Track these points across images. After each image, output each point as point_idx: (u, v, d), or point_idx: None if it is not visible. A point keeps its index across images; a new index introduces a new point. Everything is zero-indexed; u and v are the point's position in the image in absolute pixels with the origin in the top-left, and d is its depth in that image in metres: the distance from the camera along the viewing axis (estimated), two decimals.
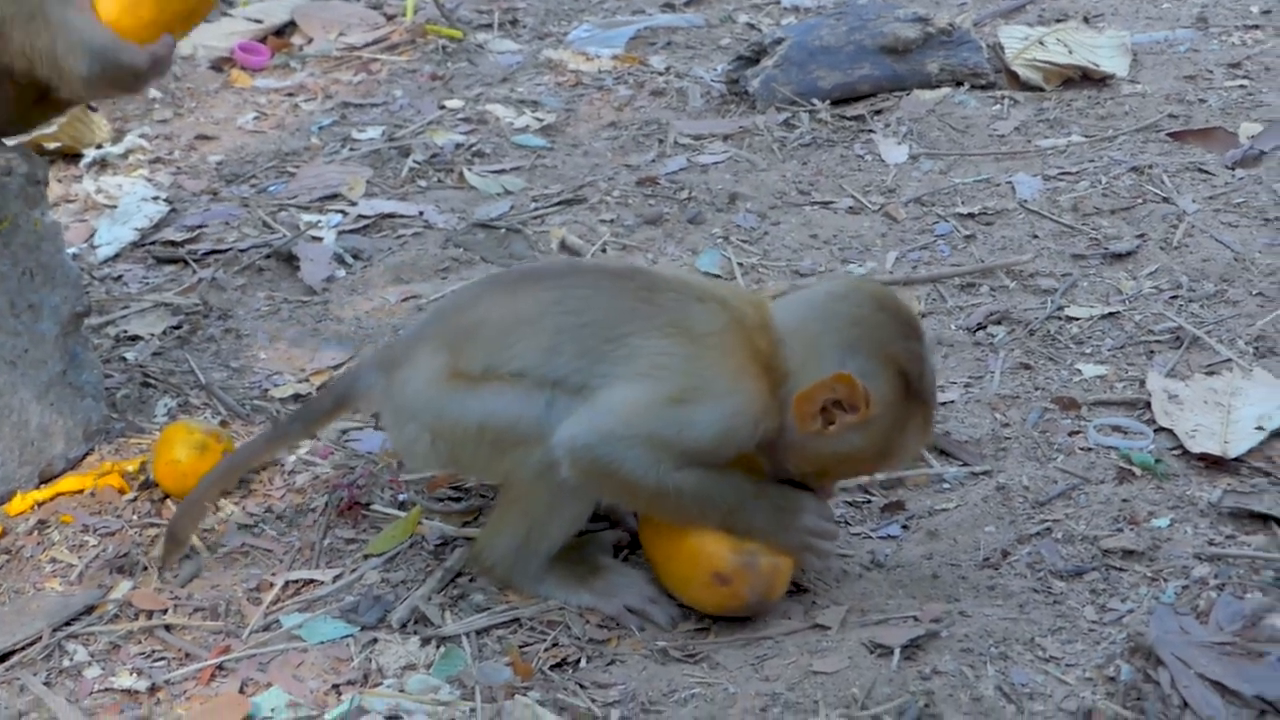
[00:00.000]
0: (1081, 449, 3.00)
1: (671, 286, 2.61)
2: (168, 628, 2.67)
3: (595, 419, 2.49)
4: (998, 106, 4.77)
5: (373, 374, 2.71)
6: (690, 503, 2.51)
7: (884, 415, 2.50)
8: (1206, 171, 4.18)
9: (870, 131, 4.65)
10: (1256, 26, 5.30)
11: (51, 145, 4.58)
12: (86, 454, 3.12)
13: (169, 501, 2.96)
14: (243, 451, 2.85)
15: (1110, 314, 3.48)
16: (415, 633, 2.59)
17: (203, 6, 2.94)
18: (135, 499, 3.00)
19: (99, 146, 4.71)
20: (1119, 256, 3.74)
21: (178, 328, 3.66)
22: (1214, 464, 2.90)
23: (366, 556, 2.81)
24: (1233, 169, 4.17)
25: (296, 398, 3.35)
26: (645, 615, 2.60)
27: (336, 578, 2.76)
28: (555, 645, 2.56)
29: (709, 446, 2.51)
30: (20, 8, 2.74)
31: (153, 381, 3.41)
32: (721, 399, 2.49)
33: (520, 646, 2.55)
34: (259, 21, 5.77)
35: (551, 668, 2.51)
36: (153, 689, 2.52)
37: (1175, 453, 2.96)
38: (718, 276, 3.79)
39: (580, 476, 2.50)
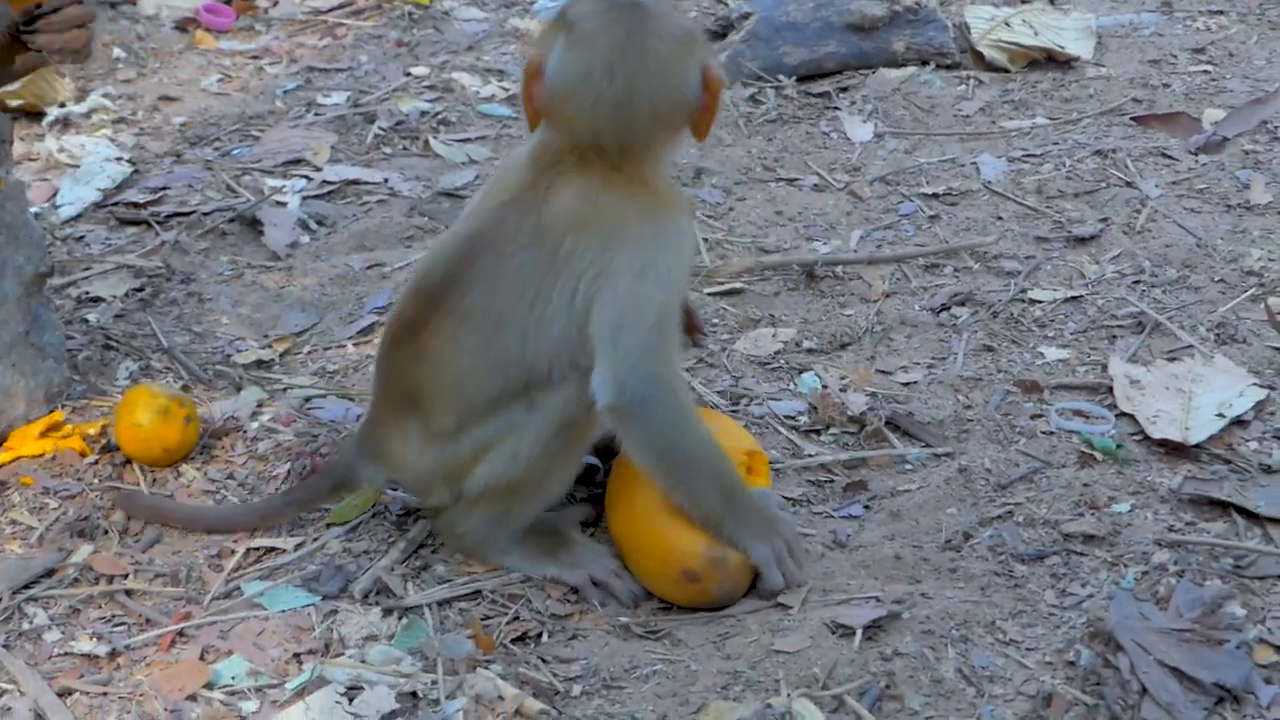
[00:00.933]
0: (1043, 432, 3.02)
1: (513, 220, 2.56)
2: (128, 593, 2.66)
3: (615, 363, 2.47)
4: (963, 87, 4.78)
5: (366, 467, 2.73)
6: (704, 464, 2.52)
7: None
8: (1170, 156, 4.20)
9: (836, 109, 4.65)
10: (1220, 12, 5.32)
11: (14, 103, 4.53)
12: (46, 415, 3.10)
13: (131, 466, 2.95)
14: (232, 523, 2.81)
15: (1073, 298, 3.50)
16: (377, 603, 2.59)
17: None
18: (96, 462, 2.98)
19: (62, 105, 4.66)
20: (1082, 240, 3.76)
21: (140, 290, 3.64)
22: (1175, 450, 2.92)
23: (329, 525, 2.81)
24: (1196, 154, 4.19)
25: (259, 364, 3.34)
26: (609, 588, 2.61)
27: (298, 546, 2.76)
28: (517, 619, 2.57)
29: (684, 280, 2.58)
30: None
31: (114, 344, 3.39)
32: (670, 245, 2.52)
33: (482, 619, 2.55)
34: None
35: (513, 641, 2.52)
36: (113, 654, 2.51)
37: (1136, 438, 2.98)
38: None
39: (622, 421, 2.49)
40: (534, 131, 2.57)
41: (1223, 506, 2.74)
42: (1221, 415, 2.99)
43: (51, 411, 3.10)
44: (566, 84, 2.48)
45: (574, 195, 2.49)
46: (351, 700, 2.36)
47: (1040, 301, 3.50)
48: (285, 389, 3.22)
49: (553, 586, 2.63)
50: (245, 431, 3.06)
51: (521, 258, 2.51)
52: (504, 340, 2.52)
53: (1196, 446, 2.92)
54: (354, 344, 3.43)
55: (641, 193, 2.50)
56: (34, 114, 4.60)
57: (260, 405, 3.14)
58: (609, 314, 2.47)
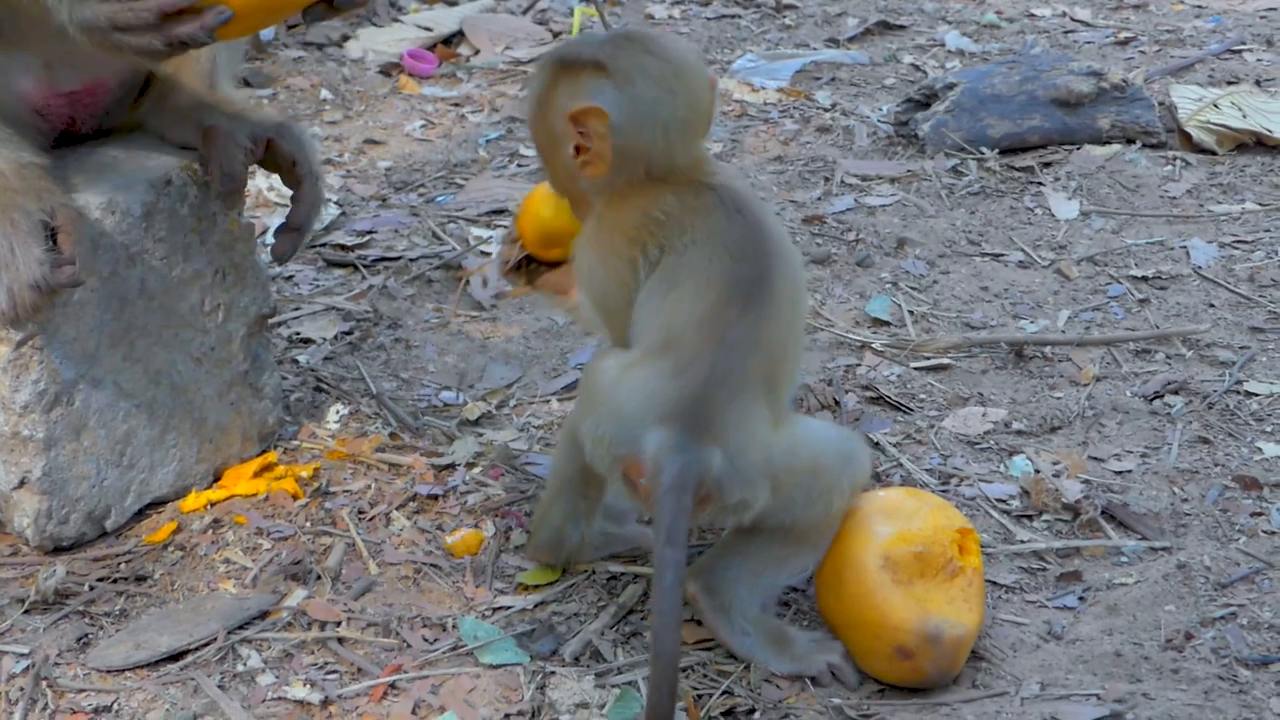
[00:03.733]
0: (1265, 531, 2.95)
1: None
2: (340, 640, 2.68)
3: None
4: (1169, 167, 4.71)
5: (704, 452, 2.44)
6: None
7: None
8: None
9: (1039, 184, 4.60)
10: None
11: None
12: (260, 455, 3.14)
13: (343, 510, 2.97)
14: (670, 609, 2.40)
15: None
16: (588, 667, 2.58)
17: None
18: (307, 505, 3.01)
19: None
20: None
21: (349, 333, 3.68)
22: None
23: (501, 592, 2.80)
24: None
25: (482, 419, 3.35)
26: (840, 673, 2.57)
27: (500, 608, 2.75)
28: (729, 693, 2.54)
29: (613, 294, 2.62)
30: None
31: (325, 387, 3.43)
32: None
33: (694, 692, 2.53)
34: (429, 30, 5.81)
35: (723, 714, 2.50)
36: (325, 702, 2.53)
37: None
38: (886, 324, 3.76)
39: None
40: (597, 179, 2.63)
41: None
42: None
43: (265, 451, 3.14)
44: (640, 117, 2.57)
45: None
46: None
47: (1257, 394, 3.42)
48: (491, 442, 3.23)
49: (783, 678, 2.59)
50: (456, 486, 3.07)
51: None
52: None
53: None
54: (558, 399, 3.44)
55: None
56: None
57: (476, 456, 3.15)
58: None
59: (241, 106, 3.06)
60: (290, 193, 3.10)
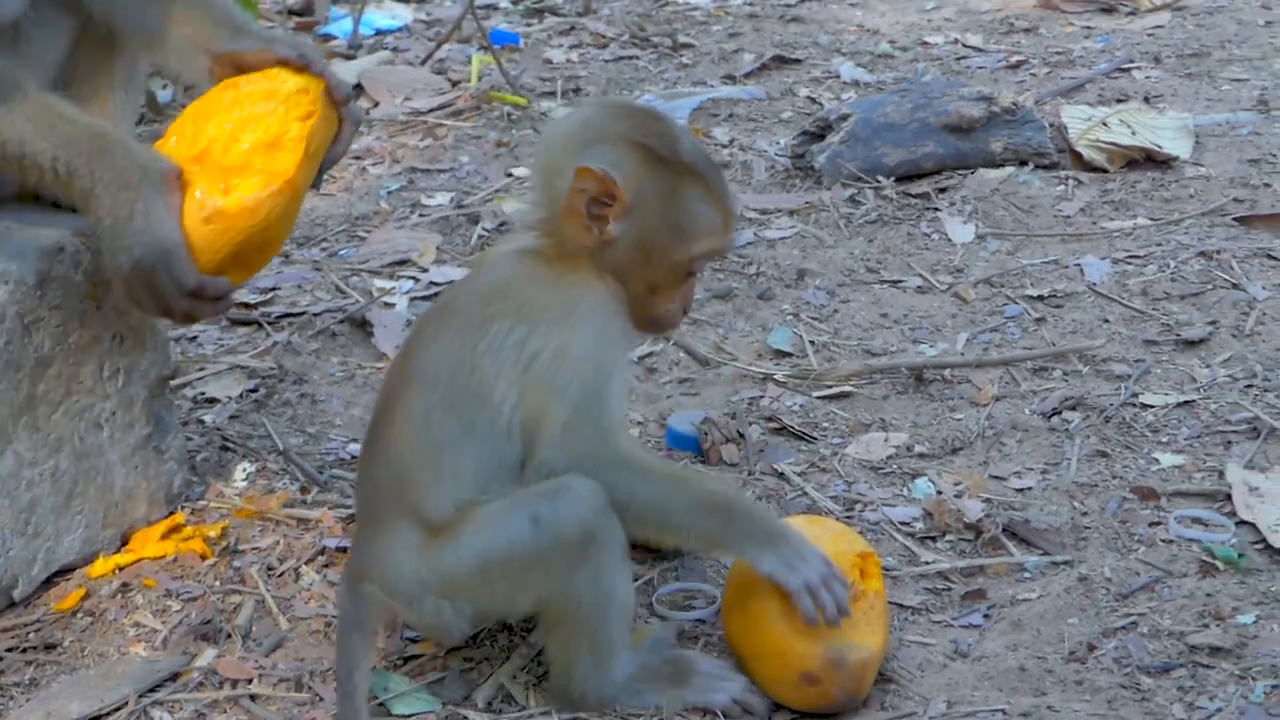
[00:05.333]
0: (1163, 540, 3.00)
1: (461, 290, 2.69)
2: (253, 697, 2.68)
3: (547, 451, 2.52)
4: (1062, 187, 4.79)
5: (361, 590, 2.57)
6: (674, 499, 2.54)
7: (645, 190, 2.56)
8: (1275, 258, 4.18)
9: (935, 210, 4.66)
10: None
11: None
12: (167, 517, 3.14)
13: (252, 569, 2.97)
14: None
15: (1185, 402, 3.48)
16: (500, 712, 2.59)
17: (269, 249, 2.88)
18: (216, 564, 3.01)
19: None
20: (1191, 343, 3.74)
21: (254, 391, 3.69)
22: None
23: (412, 640, 2.80)
24: None
25: None
26: (747, 706, 2.58)
27: (411, 656, 2.76)
28: None
29: (610, 363, 2.57)
30: (118, 176, 2.75)
31: (231, 445, 3.43)
32: (577, 327, 2.55)
33: None
34: None
35: None
36: None
37: (1258, 547, 2.95)
38: (789, 355, 3.80)
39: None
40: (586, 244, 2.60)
41: None
42: None
43: (172, 513, 3.14)
44: (666, 192, 2.58)
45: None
46: None
47: (1152, 406, 3.48)
48: None
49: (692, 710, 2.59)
50: None
51: (449, 335, 2.61)
52: (449, 405, 2.55)
53: None
54: None
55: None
56: None
57: None
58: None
59: None
60: None
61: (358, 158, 5.26)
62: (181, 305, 2.78)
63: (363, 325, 4.01)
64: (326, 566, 3.00)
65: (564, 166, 2.56)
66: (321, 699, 2.65)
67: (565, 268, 2.59)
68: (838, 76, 6.09)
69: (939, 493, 3.19)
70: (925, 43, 6.56)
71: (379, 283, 4.25)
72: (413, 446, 2.56)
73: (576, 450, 2.51)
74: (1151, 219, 4.52)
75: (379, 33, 6.70)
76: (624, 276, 2.61)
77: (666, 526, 2.57)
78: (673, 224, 2.59)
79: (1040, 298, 4.06)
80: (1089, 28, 6.67)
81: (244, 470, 3.33)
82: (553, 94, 5.93)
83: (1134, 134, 5.02)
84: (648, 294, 2.64)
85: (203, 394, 3.68)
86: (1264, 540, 2.96)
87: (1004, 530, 3.06)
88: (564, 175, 2.56)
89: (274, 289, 4.22)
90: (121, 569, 3.01)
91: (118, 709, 2.65)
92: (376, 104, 5.77)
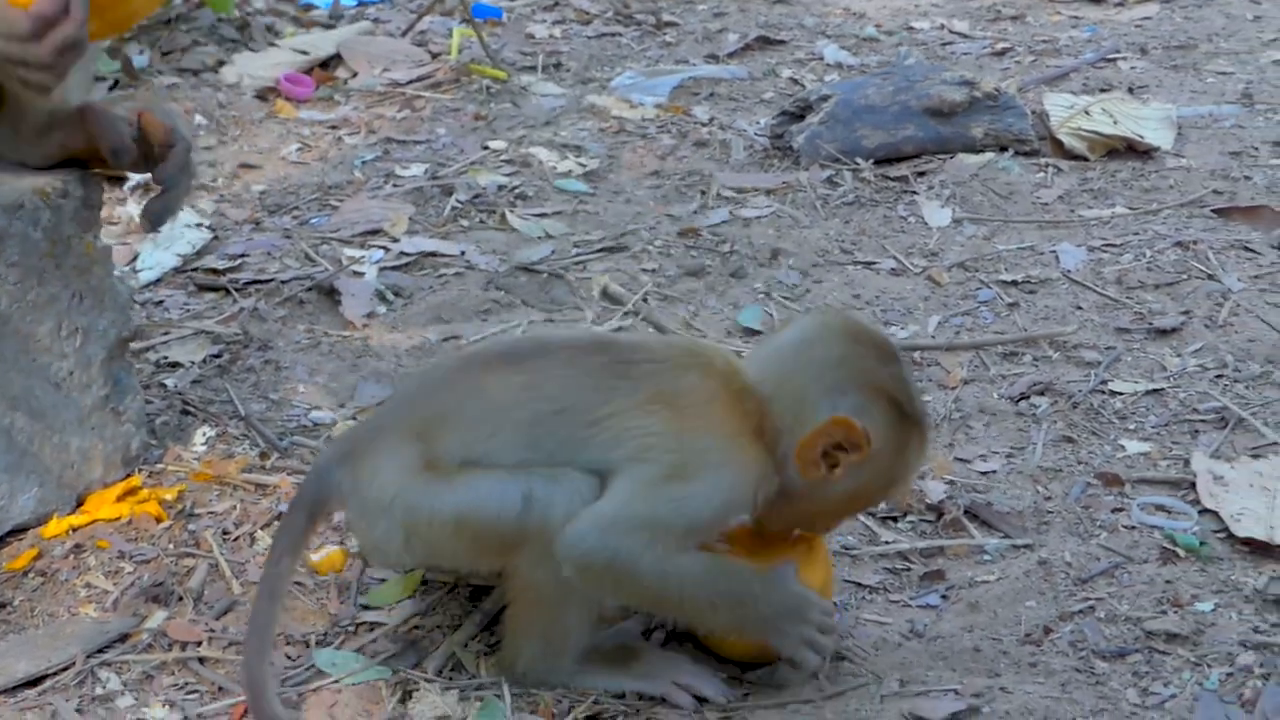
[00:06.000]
0: (1125, 527, 2.98)
1: (648, 356, 2.55)
2: (201, 660, 2.65)
3: (588, 514, 2.41)
4: (1041, 174, 4.77)
5: (336, 469, 2.55)
6: (697, 594, 2.45)
7: (884, 446, 2.48)
8: (1252, 250, 4.17)
9: (913, 193, 4.64)
10: None
11: (96, 167, 4.57)
12: (124, 479, 3.11)
13: (207, 533, 2.95)
14: (261, 617, 2.52)
15: (1154, 390, 3.47)
16: (451, 679, 2.57)
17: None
18: (171, 528, 2.98)
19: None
20: (1163, 332, 3.72)
21: (218, 356, 3.66)
22: (1259, 549, 2.88)
23: (365, 607, 2.78)
24: (1279, 248, 4.16)
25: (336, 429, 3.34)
26: (694, 690, 2.53)
27: (363, 623, 2.74)
28: (596, 702, 2.53)
29: (709, 521, 2.46)
30: None
31: (192, 410, 3.40)
32: (717, 470, 2.44)
33: (557, 702, 2.53)
34: (305, 53, 5.78)
35: (587, 718, 2.50)
36: None
37: (1220, 535, 2.94)
38: (759, 333, 3.78)
39: (582, 575, 2.42)
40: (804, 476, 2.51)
41: None
42: None
43: (129, 476, 3.11)
44: (898, 448, 2.51)
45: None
46: None
47: (1121, 393, 3.47)
48: None
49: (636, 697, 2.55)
50: None
51: (606, 377, 2.51)
52: (547, 422, 2.48)
53: None
54: None
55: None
56: (116, 178, 4.64)
57: None
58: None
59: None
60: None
61: (334, 127, 5.23)
62: (16, 53, 2.64)
63: (330, 293, 3.97)
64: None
65: (815, 401, 2.46)
66: (272, 663, 2.63)
67: (750, 433, 2.48)
68: (821, 58, 6.06)
69: None
70: (911, 27, 6.54)
71: (349, 251, 4.22)
72: (479, 404, 2.51)
73: (611, 542, 2.42)
74: (1130, 208, 4.51)
75: (361, 4, 6.66)
76: (799, 491, 2.52)
77: (691, 617, 2.55)
78: (892, 475, 2.54)
79: (1014, 283, 4.04)
80: (1076, 17, 6.65)
81: (204, 435, 3.30)
82: (534, 69, 5.90)
83: (1116, 123, 5.01)
84: (810, 517, 2.60)
85: (165, 358, 3.64)
86: (1226, 529, 2.94)
87: (966, 512, 3.04)
88: (812, 408, 2.46)
89: (243, 256, 4.19)
90: (75, 530, 2.97)
91: (65, 669, 2.62)
92: (355, 74, 5.73)
